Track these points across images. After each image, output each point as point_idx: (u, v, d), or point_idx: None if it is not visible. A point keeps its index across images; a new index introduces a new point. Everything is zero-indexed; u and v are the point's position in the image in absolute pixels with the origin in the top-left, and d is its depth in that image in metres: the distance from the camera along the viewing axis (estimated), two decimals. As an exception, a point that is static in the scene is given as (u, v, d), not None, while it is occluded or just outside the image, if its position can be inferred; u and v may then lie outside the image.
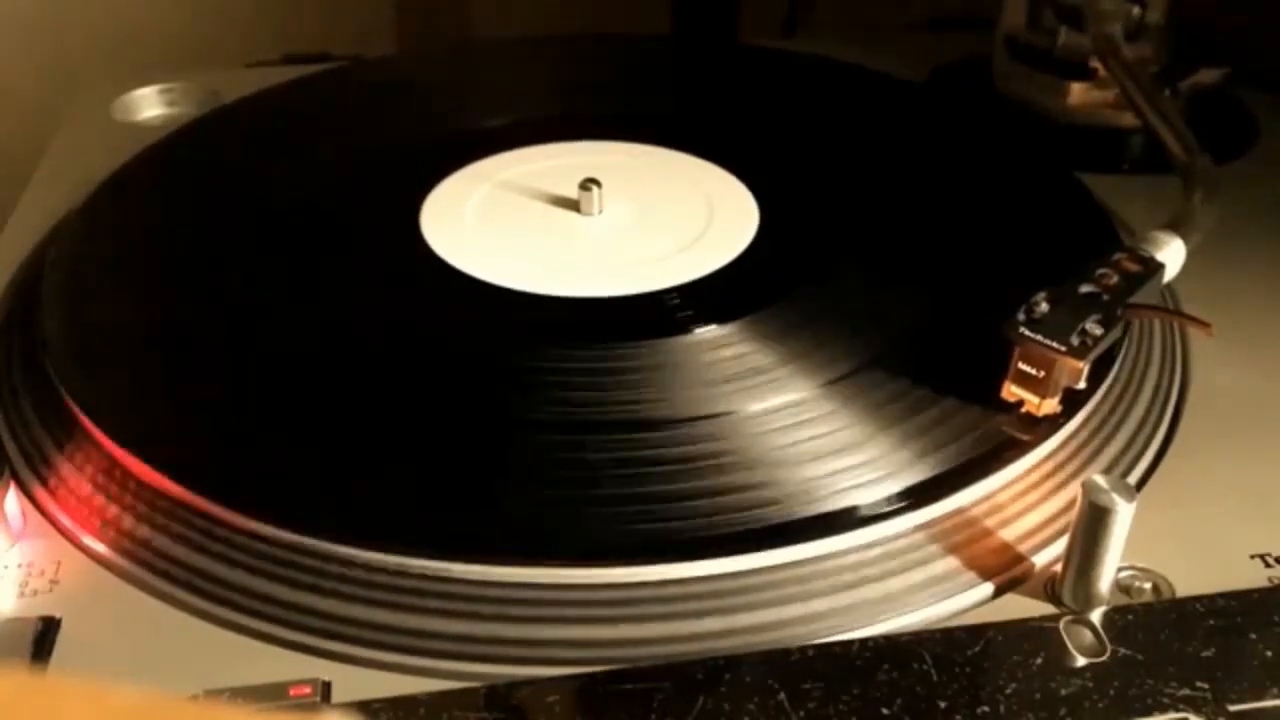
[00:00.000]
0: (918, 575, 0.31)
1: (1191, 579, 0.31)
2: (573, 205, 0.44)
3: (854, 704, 0.27)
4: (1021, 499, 0.33)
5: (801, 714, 0.26)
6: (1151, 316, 0.39)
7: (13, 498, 0.33)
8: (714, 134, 0.50)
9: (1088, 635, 0.28)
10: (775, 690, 0.27)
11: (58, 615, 0.30)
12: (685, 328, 0.37)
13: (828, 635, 0.29)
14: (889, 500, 0.31)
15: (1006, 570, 0.31)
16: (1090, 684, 0.27)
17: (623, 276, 0.40)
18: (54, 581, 0.31)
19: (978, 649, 0.28)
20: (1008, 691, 0.27)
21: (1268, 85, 0.56)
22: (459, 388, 0.36)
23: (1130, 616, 0.29)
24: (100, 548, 0.32)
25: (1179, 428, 0.36)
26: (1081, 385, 0.34)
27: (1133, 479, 0.34)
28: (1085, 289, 0.35)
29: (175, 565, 0.31)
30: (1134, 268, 0.36)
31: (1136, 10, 0.52)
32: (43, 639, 0.29)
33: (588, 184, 0.44)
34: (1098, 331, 0.33)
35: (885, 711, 0.26)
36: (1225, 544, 0.32)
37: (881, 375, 0.35)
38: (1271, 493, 0.34)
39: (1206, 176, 0.41)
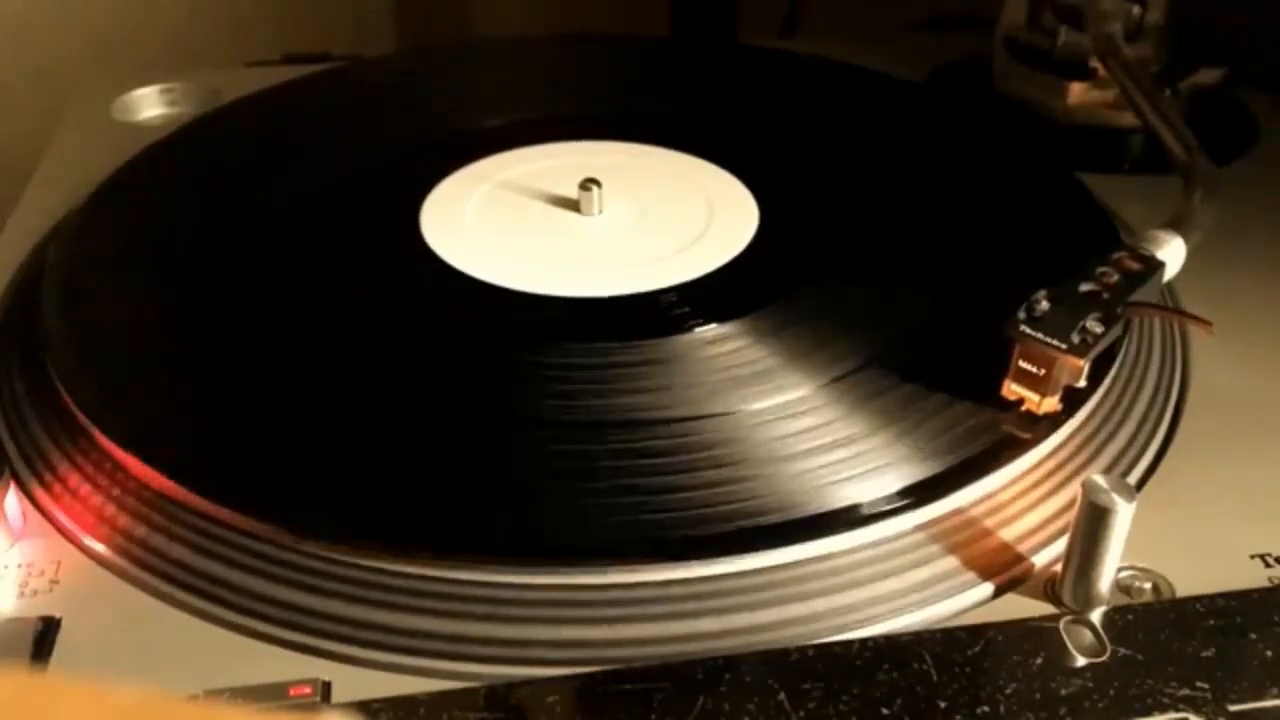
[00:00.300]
0: (917, 575, 0.31)
1: (1191, 579, 0.31)
2: (573, 205, 0.45)
3: (854, 704, 0.27)
4: (1021, 498, 0.33)
5: (801, 714, 0.26)
6: (1152, 315, 0.39)
7: (13, 498, 0.33)
8: (714, 134, 0.50)
9: (1088, 635, 0.28)
10: (775, 690, 0.27)
11: (58, 615, 0.30)
12: (685, 326, 0.37)
13: (827, 635, 0.29)
14: (889, 499, 0.31)
15: (1006, 570, 0.31)
16: (1090, 684, 0.27)
17: (622, 276, 0.40)
18: (54, 581, 0.31)
19: (978, 649, 0.28)
20: (1008, 691, 0.27)
21: (1268, 85, 0.56)
22: (459, 388, 0.36)
23: (1130, 616, 0.29)
24: (100, 548, 0.32)
25: (1179, 427, 0.36)
26: (1082, 383, 0.34)
27: (1133, 479, 0.34)
28: (1085, 287, 0.35)
29: (175, 565, 0.31)
30: (1134, 266, 0.36)
31: (1136, 10, 0.52)
32: (43, 639, 0.29)
33: (588, 184, 0.44)
34: (1098, 329, 0.33)
35: (885, 711, 0.26)
36: (1225, 544, 0.32)
37: (881, 374, 0.35)
38: (1271, 493, 0.34)
39: (1206, 176, 0.41)
